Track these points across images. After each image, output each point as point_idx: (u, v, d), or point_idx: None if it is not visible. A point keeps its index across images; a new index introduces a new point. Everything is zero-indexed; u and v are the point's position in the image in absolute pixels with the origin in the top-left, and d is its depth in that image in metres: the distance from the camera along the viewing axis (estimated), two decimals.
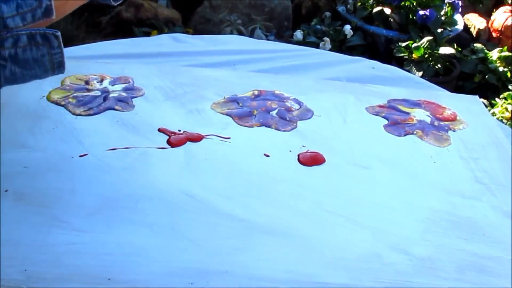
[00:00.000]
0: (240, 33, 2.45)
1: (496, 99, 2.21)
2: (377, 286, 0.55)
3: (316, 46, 2.32)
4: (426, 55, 2.25)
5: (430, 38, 2.27)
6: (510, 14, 2.60)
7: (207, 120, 0.78)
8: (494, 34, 2.64)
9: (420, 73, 2.19)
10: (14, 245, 0.54)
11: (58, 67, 0.43)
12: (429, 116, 0.87)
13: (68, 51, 0.79)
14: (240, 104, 0.83)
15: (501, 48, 2.43)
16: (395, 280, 0.56)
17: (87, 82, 0.83)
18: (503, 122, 1.93)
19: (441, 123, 0.85)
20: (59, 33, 0.41)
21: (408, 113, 0.86)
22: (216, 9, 2.58)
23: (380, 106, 0.88)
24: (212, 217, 0.61)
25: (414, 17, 2.37)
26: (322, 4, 2.73)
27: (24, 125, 0.72)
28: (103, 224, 0.58)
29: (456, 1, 2.46)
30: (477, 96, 0.97)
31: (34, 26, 0.38)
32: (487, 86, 2.34)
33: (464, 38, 2.59)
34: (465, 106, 0.91)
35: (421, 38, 2.29)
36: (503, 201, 0.69)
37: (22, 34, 0.39)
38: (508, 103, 2.14)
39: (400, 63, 2.23)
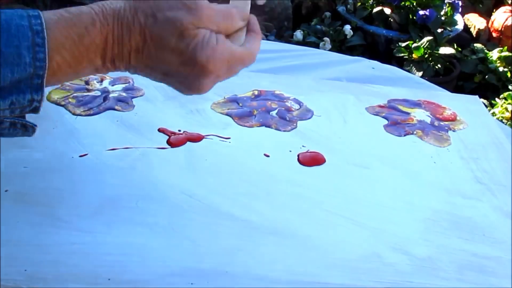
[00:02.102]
0: None
1: (496, 99, 2.21)
2: (377, 286, 0.55)
3: (316, 46, 2.32)
4: (426, 55, 2.25)
5: (430, 38, 2.27)
6: (510, 14, 2.60)
7: (207, 120, 0.78)
8: (494, 34, 2.65)
9: (420, 73, 2.19)
10: (14, 245, 0.54)
11: (23, 135, 0.47)
12: (429, 116, 0.87)
13: None
14: (240, 104, 0.83)
15: (501, 48, 2.43)
16: (395, 280, 0.56)
17: (87, 82, 0.83)
18: (503, 122, 1.93)
19: (441, 123, 0.85)
20: (36, 126, 0.46)
21: (408, 113, 0.86)
22: None
23: (380, 106, 0.88)
24: (212, 217, 0.61)
25: (414, 17, 2.37)
26: (322, 4, 2.74)
27: None
28: (103, 224, 0.58)
29: (456, 1, 2.46)
30: (477, 96, 0.97)
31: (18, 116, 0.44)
32: (487, 86, 2.34)
33: (464, 38, 2.59)
34: (465, 106, 0.91)
35: (421, 38, 2.29)
36: (503, 201, 0.69)
37: (6, 121, 0.44)
38: (508, 103, 2.14)
39: (400, 63, 2.24)
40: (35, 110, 0.43)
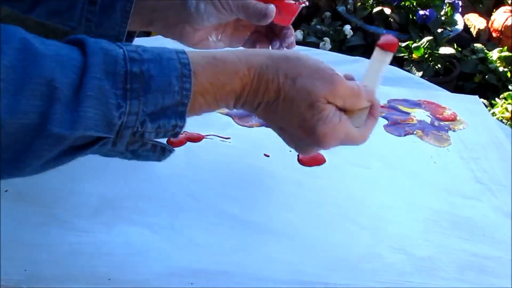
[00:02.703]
0: None
1: (496, 99, 2.21)
2: (377, 286, 0.55)
3: (316, 46, 2.32)
4: (426, 55, 2.25)
5: (430, 38, 2.27)
6: (510, 14, 2.60)
7: (207, 120, 0.78)
8: (494, 34, 2.65)
9: (420, 73, 2.19)
10: (14, 245, 0.54)
11: (158, 161, 0.50)
12: (429, 116, 0.87)
13: None
14: None
15: (501, 48, 2.43)
16: (395, 280, 0.56)
17: None
18: (503, 122, 1.93)
19: (441, 123, 0.85)
20: (174, 150, 0.50)
21: (408, 113, 0.86)
22: None
23: (380, 106, 0.87)
24: (212, 217, 0.61)
25: (414, 17, 2.37)
26: (322, 4, 2.74)
27: None
28: (103, 224, 0.58)
29: (456, 1, 2.46)
30: (477, 96, 0.97)
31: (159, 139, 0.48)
32: (487, 86, 2.34)
33: (464, 38, 2.59)
34: (465, 106, 0.91)
35: (421, 38, 2.29)
36: (503, 201, 0.69)
37: (149, 143, 0.47)
38: (508, 103, 2.14)
39: (400, 63, 2.23)
40: (175, 135, 0.47)
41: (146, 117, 0.44)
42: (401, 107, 0.88)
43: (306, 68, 0.50)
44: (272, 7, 0.63)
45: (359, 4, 2.57)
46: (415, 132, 0.82)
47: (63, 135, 0.40)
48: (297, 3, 0.66)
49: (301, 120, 0.50)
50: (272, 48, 0.68)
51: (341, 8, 2.62)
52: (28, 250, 0.54)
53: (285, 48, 0.68)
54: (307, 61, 0.51)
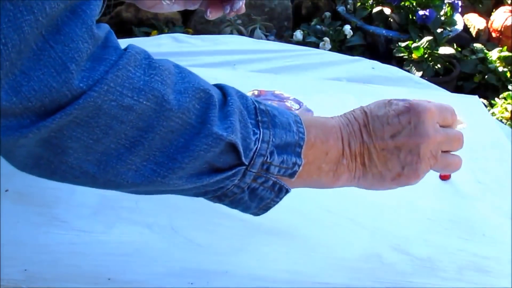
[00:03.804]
0: (240, 33, 2.45)
1: (496, 99, 2.21)
2: (377, 286, 0.55)
3: (316, 46, 2.32)
4: (426, 55, 2.25)
5: (430, 38, 2.27)
6: (510, 14, 2.60)
7: None
8: (494, 34, 2.65)
9: (420, 73, 2.19)
10: (14, 245, 0.54)
11: (264, 210, 0.51)
12: None
13: None
14: None
15: (501, 48, 2.44)
16: (395, 280, 0.56)
17: None
18: (503, 122, 1.93)
19: None
20: (290, 191, 0.50)
21: None
22: None
23: None
24: (212, 217, 0.61)
25: (414, 17, 2.37)
26: (322, 4, 2.74)
27: None
28: (103, 224, 0.58)
29: (456, 1, 2.46)
30: (477, 96, 0.97)
31: (278, 177, 0.48)
32: (487, 86, 2.34)
33: (464, 38, 2.59)
34: (465, 106, 0.91)
35: (421, 38, 2.29)
36: (503, 201, 0.69)
37: (271, 179, 0.48)
38: (508, 103, 2.14)
39: (400, 63, 2.24)
40: (293, 174, 0.48)
41: (274, 148, 0.46)
42: None
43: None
44: None
45: (359, 4, 2.57)
46: None
47: (221, 136, 0.43)
48: None
49: (394, 113, 0.51)
50: (224, 13, 0.70)
51: (341, 8, 2.62)
52: (28, 250, 0.54)
53: (234, 12, 0.70)
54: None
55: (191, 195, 0.49)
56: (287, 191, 0.50)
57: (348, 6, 2.60)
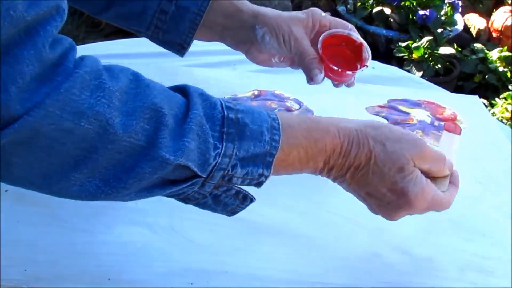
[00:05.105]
0: None
1: (496, 99, 2.21)
2: (377, 286, 0.55)
3: None
4: (426, 55, 2.25)
5: (430, 38, 2.27)
6: (510, 14, 2.60)
7: None
8: (494, 34, 2.64)
9: (420, 73, 2.19)
10: (14, 245, 0.54)
11: (231, 213, 0.52)
12: (429, 116, 0.86)
13: None
14: None
15: (501, 48, 2.43)
16: (395, 280, 0.56)
17: None
18: (503, 122, 1.93)
19: (441, 123, 0.85)
20: (255, 200, 0.51)
21: (408, 113, 0.86)
22: None
23: (380, 106, 0.88)
24: (212, 217, 0.61)
25: (414, 17, 2.36)
26: (322, 4, 2.73)
27: None
28: (103, 224, 0.58)
29: (456, 1, 2.46)
30: (477, 96, 0.97)
31: (242, 186, 0.49)
32: (487, 86, 2.34)
33: (464, 38, 2.58)
34: (465, 106, 0.91)
35: (421, 38, 2.29)
36: (503, 201, 0.69)
37: (234, 188, 0.49)
38: (508, 103, 2.14)
39: (400, 63, 2.23)
40: (259, 185, 0.49)
41: (237, 161, 0.46)
42: (401, 107, 0.88)
43: (392, 134, 0.52)
44: (320, 77, 0.69)
45: (359, 4, 2.57)
46: (415, 132, 0.82)
47: (167, 160, 0.42)
48: (348, 72, 0.71)
49: (391, 184, 0.51)
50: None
51: (341, 8, 2.62)
52: (28, 250, 0.54)
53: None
54: (392, 128, 0.53)
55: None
56: (251, 200, 0.50)
57: (348, 6, 2.60)
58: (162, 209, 0.61)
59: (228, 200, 0.49)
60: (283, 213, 0.63)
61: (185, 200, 0.49)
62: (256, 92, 0.86)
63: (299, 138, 0.49)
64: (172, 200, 0.63)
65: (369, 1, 2.53)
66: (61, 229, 0.57)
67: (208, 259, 0.56)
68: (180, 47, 0.71)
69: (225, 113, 0.46)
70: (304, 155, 0.50)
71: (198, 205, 0.50)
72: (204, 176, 0.45)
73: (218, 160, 0.45)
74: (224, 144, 0.45)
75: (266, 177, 0.48)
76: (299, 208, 0.64)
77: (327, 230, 0.61)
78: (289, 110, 0.83)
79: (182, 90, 0.47)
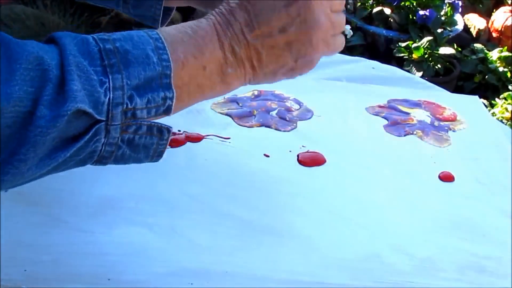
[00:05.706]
0: None
1: (496, 99, 2.21)
2: (377, 286, 0.55)
3: None
4: (426, 55, 2.25)
5: (430, 38, 2.27)
6: (510, 14, 2.60)
7: (207, 120, 0.78)
8: (494, 34, 2.64)
9: (420, 73, 2.18)
10: (14, 245, 0.54)
11: (157, 156, 0.49)
12: (429, 116, 0.87)
13: None
14: (240, 104, 0.83)
15: (501, 48, 2.43)
16: (395, 280, 0.56)
17: None
18: (503, 122, 1.93)
19: (441, 123, 0.85)
20: (171, 128, 0.48)
21: (408, 113, 0.86)
22: None
23: (380, 106, 0.88)
24: (212, 217, 0.61)
25: (414, 17, 2.36)
26: None
27: None
28: (103, 224, 0.58)
29: (456, 1, 2.45)
30: (477, 96, 0.97)
31: (152, 119, 0.46)
32: (487, 86, 2.34)
33: (464, 38, 2.58)
34: (465, 106, 0.91)
35: (421, 38, 2.29)
36: (503, 201, 0.69)
37: (144, 124, 0.46)
38: (508, 103, 2.14)
39: (400, 63, 2.23)
40: (168, 109, 0.46)
41: (132, 91, 0.43)
42: (401, 107, 0.88)
43: None
44: None
45: (359, 4, 2.57)
46: (415, 132, 0.82)
47: (56, 115, 0.39)
48: None
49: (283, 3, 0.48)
50: None
51: None
52: (28, 250, 0.54)
53: None
54: None
55: (70, 168, 0.46)
56: (168, 130, 0.47)
57: (348, 6, 2.60)
58: (162, 209, 0.61)
59: (145, 141, 0.46)
60: (283, 213, 0.63)
61: (102, 160, 0.46)
62: (256, 92, 0.86)
63: (176, 36, 0.47)
64: (172, 200, 0.63)
65: (369, 1, 2.53)
66: (61, 229, 0.57)
67: (208, 259, 0.56)
68: (152, 20, 0.67)
69: (101, 45, 0.43)
70: (193, 48, 0.47)
71: (117, 161, 0.47)
72: (104, 119, 0.42)
73: (110, 95, 0.42)
74: (110, 76, 0.42)
75: (171, 99, 0.45)
76: (299, 208, 0.64)
77: (327, 230, 0.61)
78: (289, 110, 0.83)
79: (51, 39, 0.44)
